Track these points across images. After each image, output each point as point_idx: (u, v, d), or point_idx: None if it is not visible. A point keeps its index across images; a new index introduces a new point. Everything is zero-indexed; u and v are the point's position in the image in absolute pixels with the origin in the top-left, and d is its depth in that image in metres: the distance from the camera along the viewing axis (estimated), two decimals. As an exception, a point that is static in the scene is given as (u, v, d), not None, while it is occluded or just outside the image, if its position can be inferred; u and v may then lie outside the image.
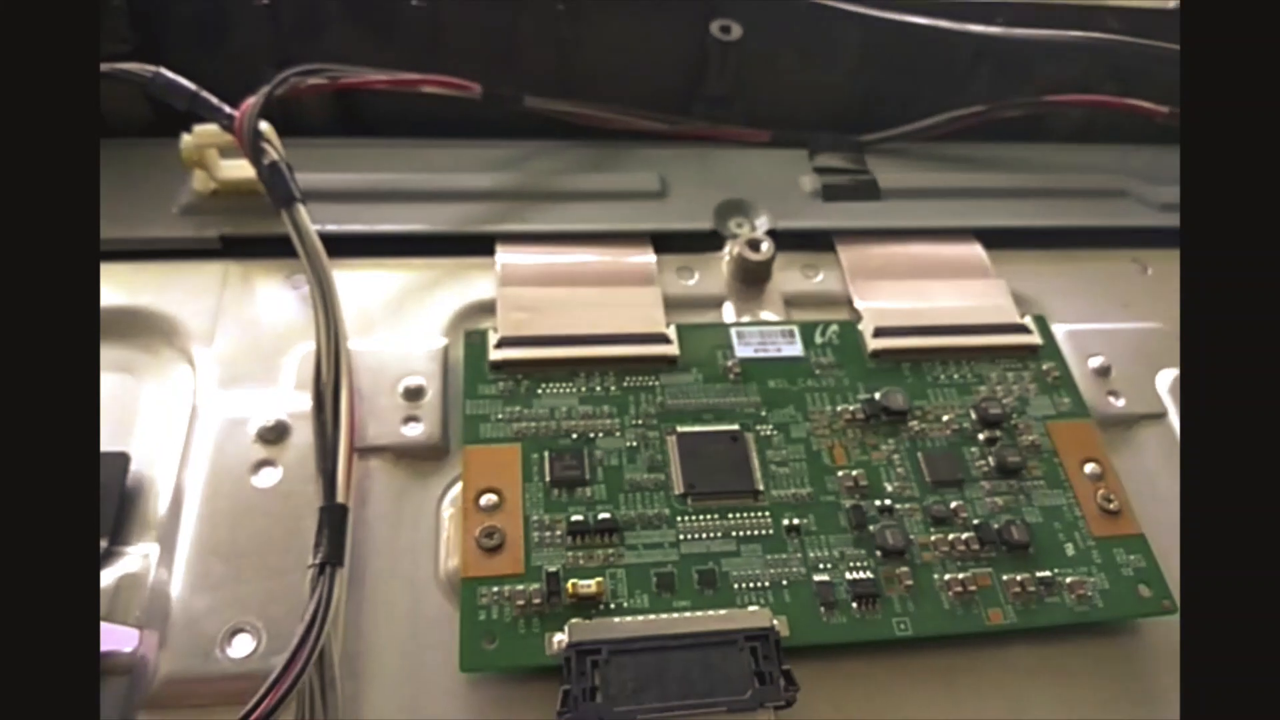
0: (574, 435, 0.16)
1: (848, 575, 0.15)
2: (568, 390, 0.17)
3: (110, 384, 0.17)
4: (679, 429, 0.17)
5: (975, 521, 0.16)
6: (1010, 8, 0.22)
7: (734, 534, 0.16)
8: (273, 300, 0.18)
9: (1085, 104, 0.22)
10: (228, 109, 0.18)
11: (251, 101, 0.17)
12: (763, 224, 0.20)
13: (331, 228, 0.18)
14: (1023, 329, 0.19)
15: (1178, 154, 0.24)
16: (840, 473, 0.17)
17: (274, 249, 0.18)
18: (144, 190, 0.19)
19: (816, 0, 0.22)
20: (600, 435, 0.17)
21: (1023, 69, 0.23)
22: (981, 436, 0.17)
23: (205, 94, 0.17)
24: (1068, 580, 0.16)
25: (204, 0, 0.20)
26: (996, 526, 0.16)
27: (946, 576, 0.15)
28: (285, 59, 0.19)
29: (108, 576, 0.15)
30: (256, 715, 0.13)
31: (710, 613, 0.14)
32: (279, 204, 0.17)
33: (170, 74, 0.18)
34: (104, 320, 0.17)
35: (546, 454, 0.16)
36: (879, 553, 0.16)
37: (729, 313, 0.19)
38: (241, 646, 0.14)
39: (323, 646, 0.13)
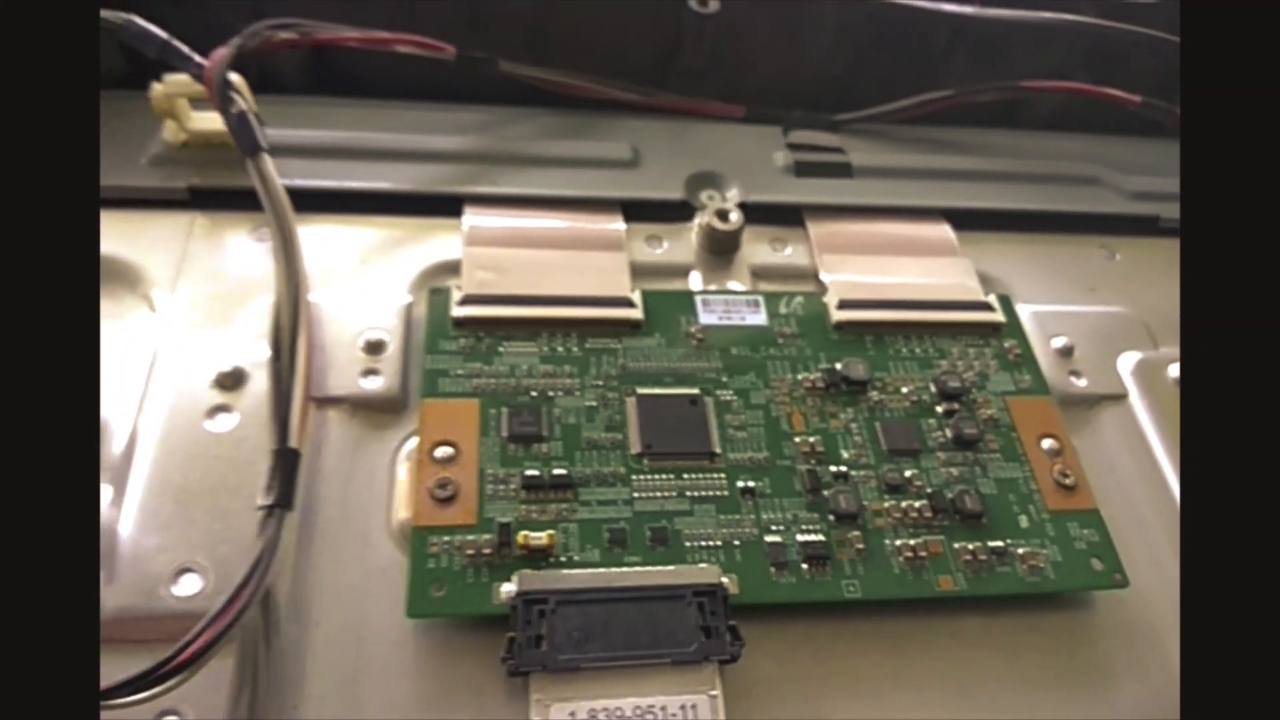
0: (533, 393, 0.16)
1: (799, 538, 0.15)
2: (529, 350, 0.17)
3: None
4: (639, 390, 0.17)
5: (929, 490, 0.16)
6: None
7: (688, 494, 0.16)
8: (238, 252, 0.18)
9: (1058, 90, 0.23)
10: (198, 58, 0.17)
11: (222, 52, 0.17)
12: (734, 196, 0.20)
13: (299, 182, 0.18)
14: (986, 307, 0.19)
15: (1149, 144, 0.24)
16: (798, 439, 0.17)
17: (241, 202, 0.18)
18: (114, 140, 0.19)
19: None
20: (560, 394, 0.17)
21: (999, 54, 0.23)
22: (940, 409, 0.17)
23: (176, 42, 0.17)
24: (1020, 551, 0.16)
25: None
26: (950, 496, 0.16)
27: (898, 542, 0.15)
28: (259, 13, 0.19)
29: (56, 515, 0.15)
30: (193, 648, 0.12)
31: (660, 568, 0.14)
32: (245, 152, 0.17)
33: (141, 21, 0.18)
34: (66, 266, 0.17)
35: (505, 410, 0.16)
36: (832, 517, 0.16)
37: (696, 282, 0.19)
38: (188, 585, 0.14)
39: (267, 587, 0.13)
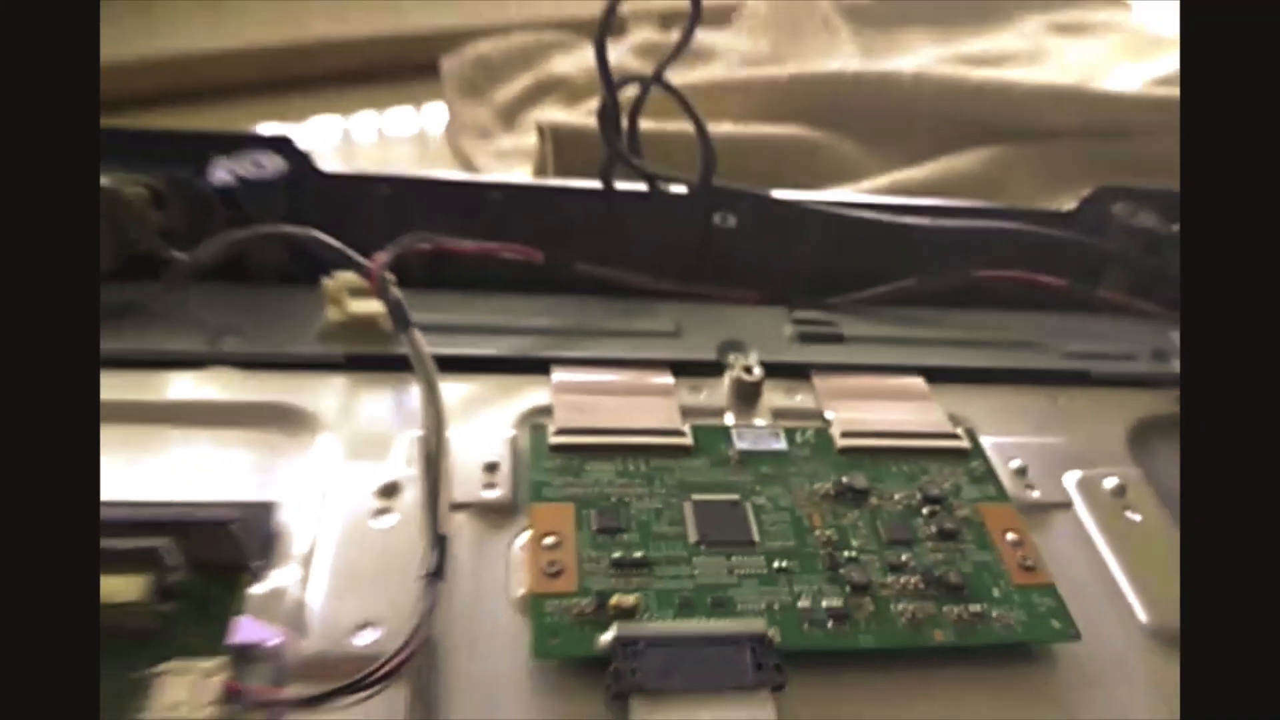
0: (613, 499, 0.22)
1: (824, 603, 0.20)
2: (608, 468, 0.22)
3: (259, 457, 0.22)
4: (693, 496, 0.22)
5: (921, 569, 0.21)
6: (938, 209, 0.30)
7: (736, 572, 0.20)
8: (385, 402, 0.24)
9: (1001, 279, 0.29)
10: (363, 260, 0.24)
11: (383, 257, 0.24)
12: (754, 358, 0.26)
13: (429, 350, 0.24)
14: (956, 436, 0.25)
15: (1077, 317, 0.30)
16: (816, 532, 0.22)
17: (385, 365, 0.24)
18: (290, 319, 0.25)
19: (788, 201, 0.29)
20: (633, 499, 0.22)
21: (957, 250, 0.30)
22: (925, 510, 0.23)
23: (349, 250, 0.24)
24: (994, 613, 0.20)
25: (339, 184, 0.27)
26: (938, 573, 0.21)
27: (900, 606, 0.20)
28: (395, 230, 0.26)
29: (259, 589, 0.19)
30: (379, 674, 0.17)
31: (720, 622, 0.19)
32: (400, 328, 0.23)
33: (321, 235, 0.24)
34: (253, 412, 0.23)
35: (593, 510, 0.21)
36: (848, 588, 0.20)
37: (730, 419, 0.25)
38: (367, 636, 0.19)
39: (429, 636, 0.18)
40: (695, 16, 0.26)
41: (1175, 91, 0.43)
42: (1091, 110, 0.41)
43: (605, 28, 0.25)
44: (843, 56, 0.45)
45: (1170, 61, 0.49)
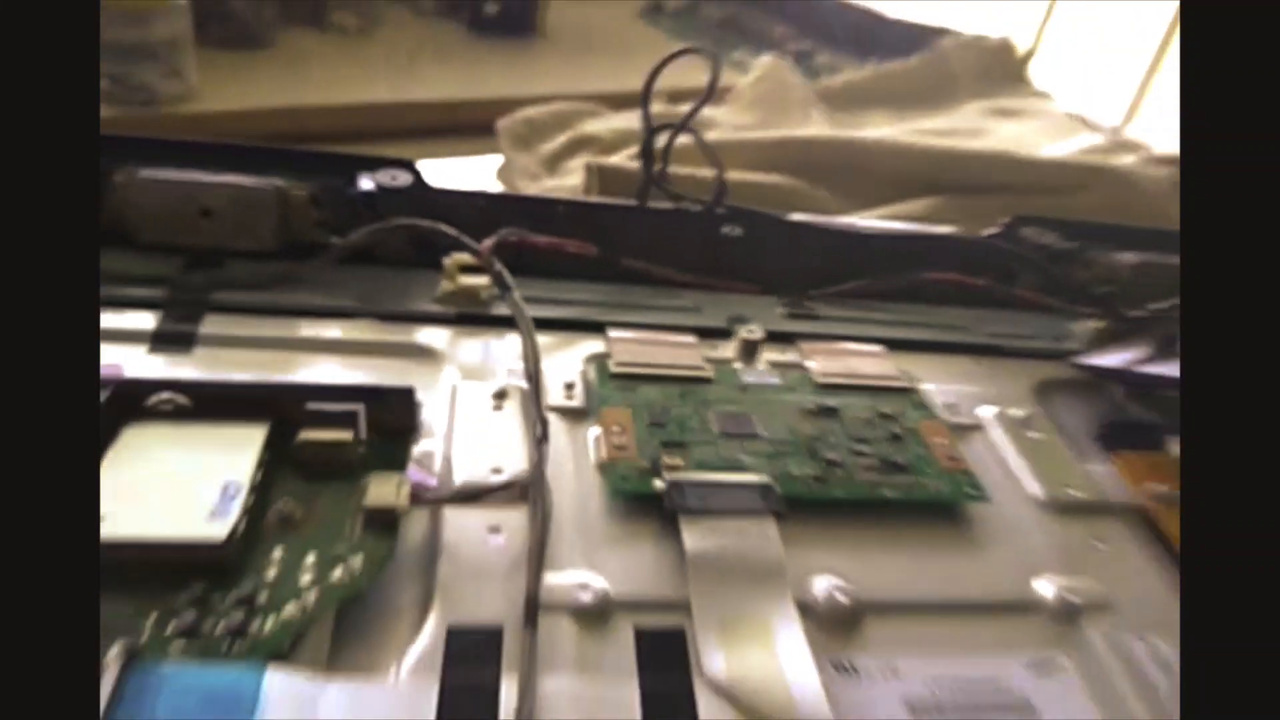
0: (659, 407, 0.30)
1: (808, 471, 0.28)
2: (653, 388, 0.31)
3: (400, 377, 0.31)
4: (715, 409, 0.31)
5: (876, 456, 0.30)
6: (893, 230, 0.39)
7: (746, 451, 0.29)
8: (481, 348, 0.33)
9: (937, 280, 0.39)
10: (475, 244, 0.33)
11: (489, 242, 0.33)
12: (755, 328, 0.35)
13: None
14: (903, 381, 0.34)
15: (997, 311, 0.40)
16: (802, 432, 0.30)
17: (482, 322, 0.33)
18: (411, 291, 0.34)
19: (781, 219, 0.39)
20: (673, 407, 0.30)
21: (908, 258, 0.39)
22: (880, 422, 0.31)
23: (465, 237, 0.33)
24: (928, 483, 0.29)
25: (448, 196, 0.36)
26: (888, 459, 0.30)
27: (860, 476, 0.29)
28: (485, 232, 0.35)
29: (417, 450, 0.27)
30: (513, 483, 0.25)
31: (737, 475, 0.28)
32: (503, 291, 0.32)
33: (445, 226, 0.33)
34: (394, 349, 0.32)
35: (645, 411, 0.30)
36: (824, 464, 0.29)
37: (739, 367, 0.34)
38: (499, 476, 0.27)
39: (542, 472, 0.26)
40: (714, 83, 0.35)
41: (1084, 159, 0.54)
42: (1014, 171, 0.52)
43: (648, 90, 0.35)
44: (816, 127, 0.56)
45: (1083, 139, 0.60)
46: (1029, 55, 0.77)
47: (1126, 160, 0.50)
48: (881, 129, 0.61)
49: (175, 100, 0.47)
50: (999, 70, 0.73)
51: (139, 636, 0.21)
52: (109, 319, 0.30)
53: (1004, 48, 0.75)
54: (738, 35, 0.73)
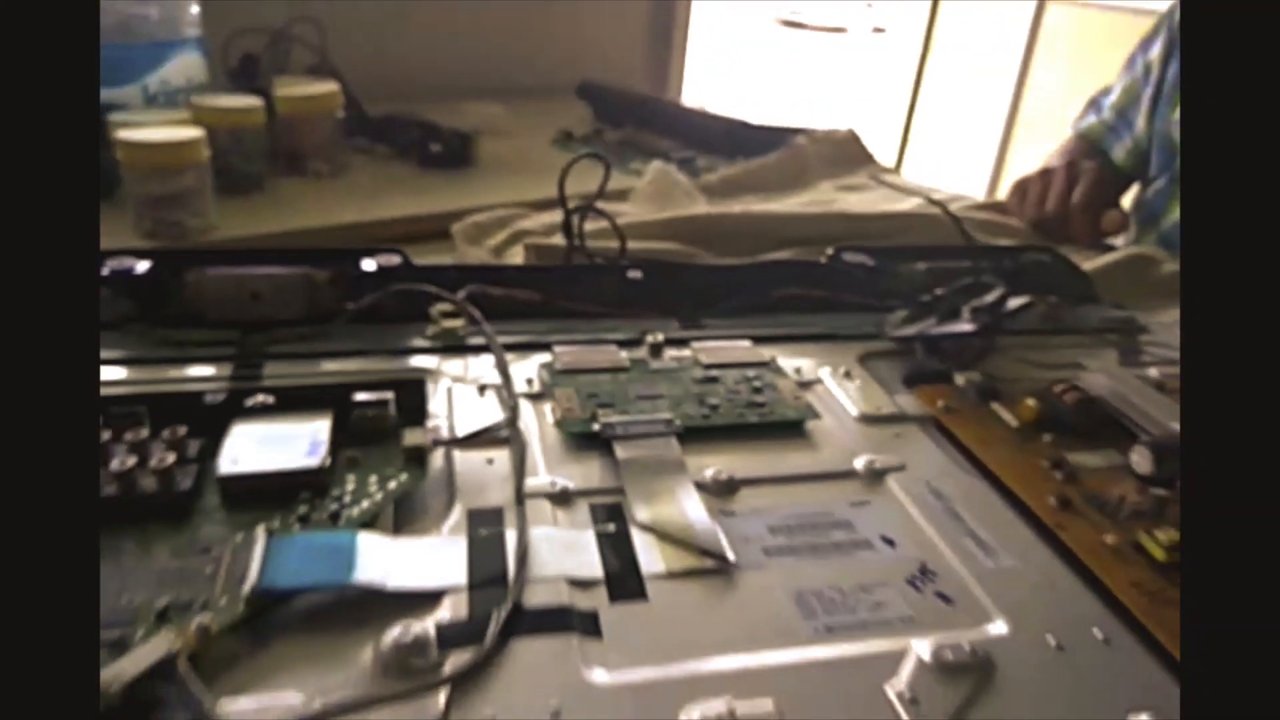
0: (594, 388, 0.44)
1: (699, 411, 0.42)
2: (588, 377, 0.45)
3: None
4: (630, 386, 0.44)
5: (746, 401, 0.43)
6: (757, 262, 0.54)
7: (656, 407, 0.42)
8: (461, 366, 0.46)
9: (786, 296, 0.53)
10: (451, 296, 0.47)
11: (462, 293, 0.47)
12: (659, 335, 0.49)
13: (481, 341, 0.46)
14: (762, 358, 0.48)
15: (830, 313, 0.55)
16: (693, 393, 0.44)
17: (461, 349, 0.46)
18: (406, 335, 0.47)
19: (672, 263, 0.53)
20: (604, 387, 0.44)
21: (765, 281, 0.54)
22: (747, 381, 0.45)
23: (444, 291, 0.47)
24: (780, 412, 0.43)
25: (429, 270, 0.50)
26: (752, 401, 0.43)
27: (734, 411, 0.42)
28: (464, 281, 0.48)
29: (430, 425, 0.40)
30: (500, 426, 0.38)
31: (650, 415, 0.41)
32: (475, 324, 0.45)
33: (429, 286, 0.47)
34: (401, 371, 0.45)
35: (584, 390, 0.43)
36: (708, 409, 0.42)
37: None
38: (490, 432, 0.40)
39: (516, 420, 0.39)
40: (606, 174, 0.50)
41: (912, 212, 0.71)
42: (852, 223, 0.68)
43: (563, 181, 0.50)
44: (699, 208, 0.72)
45: (912, 200, 0.77)
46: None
47: (938, 209, 0.66)
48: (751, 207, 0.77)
49: (200, 232, 0.61)
50: (845, 156, 0.91)
51: (274, 524, 0.33)
52: (195, 370, 0.43)
53: (850, 138, 0.94)
54: (634, 150, 0.91)
